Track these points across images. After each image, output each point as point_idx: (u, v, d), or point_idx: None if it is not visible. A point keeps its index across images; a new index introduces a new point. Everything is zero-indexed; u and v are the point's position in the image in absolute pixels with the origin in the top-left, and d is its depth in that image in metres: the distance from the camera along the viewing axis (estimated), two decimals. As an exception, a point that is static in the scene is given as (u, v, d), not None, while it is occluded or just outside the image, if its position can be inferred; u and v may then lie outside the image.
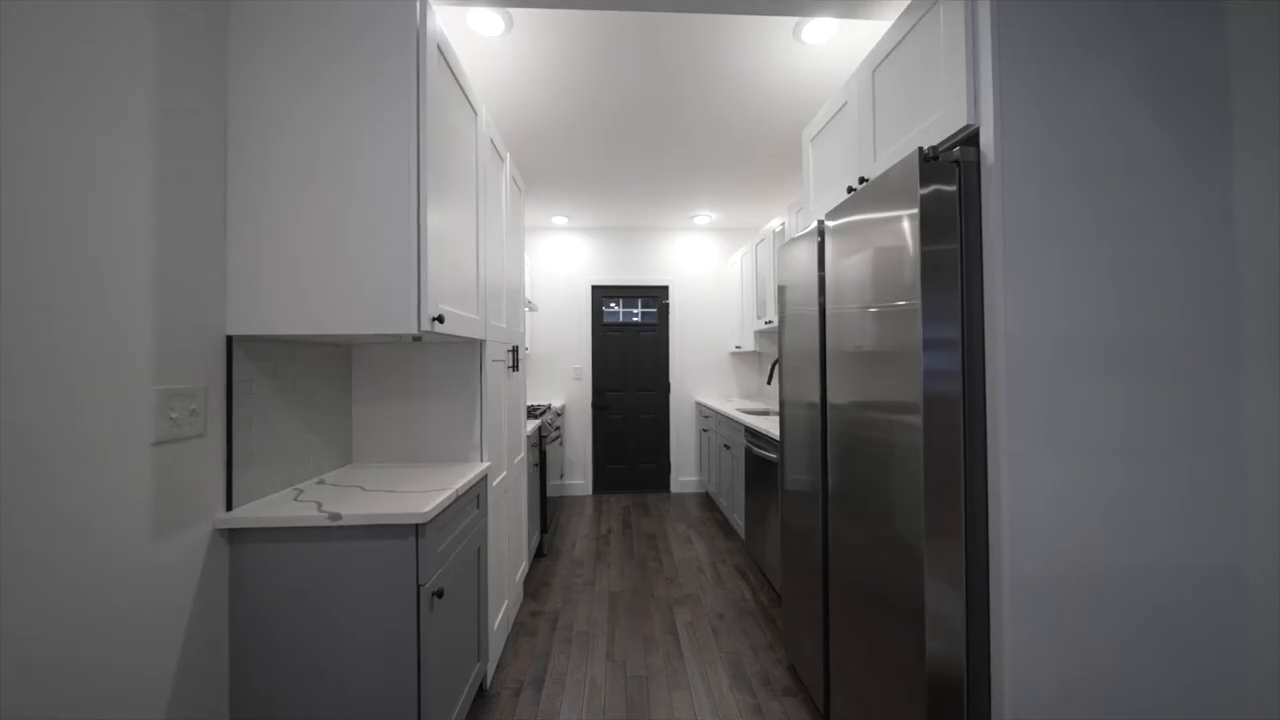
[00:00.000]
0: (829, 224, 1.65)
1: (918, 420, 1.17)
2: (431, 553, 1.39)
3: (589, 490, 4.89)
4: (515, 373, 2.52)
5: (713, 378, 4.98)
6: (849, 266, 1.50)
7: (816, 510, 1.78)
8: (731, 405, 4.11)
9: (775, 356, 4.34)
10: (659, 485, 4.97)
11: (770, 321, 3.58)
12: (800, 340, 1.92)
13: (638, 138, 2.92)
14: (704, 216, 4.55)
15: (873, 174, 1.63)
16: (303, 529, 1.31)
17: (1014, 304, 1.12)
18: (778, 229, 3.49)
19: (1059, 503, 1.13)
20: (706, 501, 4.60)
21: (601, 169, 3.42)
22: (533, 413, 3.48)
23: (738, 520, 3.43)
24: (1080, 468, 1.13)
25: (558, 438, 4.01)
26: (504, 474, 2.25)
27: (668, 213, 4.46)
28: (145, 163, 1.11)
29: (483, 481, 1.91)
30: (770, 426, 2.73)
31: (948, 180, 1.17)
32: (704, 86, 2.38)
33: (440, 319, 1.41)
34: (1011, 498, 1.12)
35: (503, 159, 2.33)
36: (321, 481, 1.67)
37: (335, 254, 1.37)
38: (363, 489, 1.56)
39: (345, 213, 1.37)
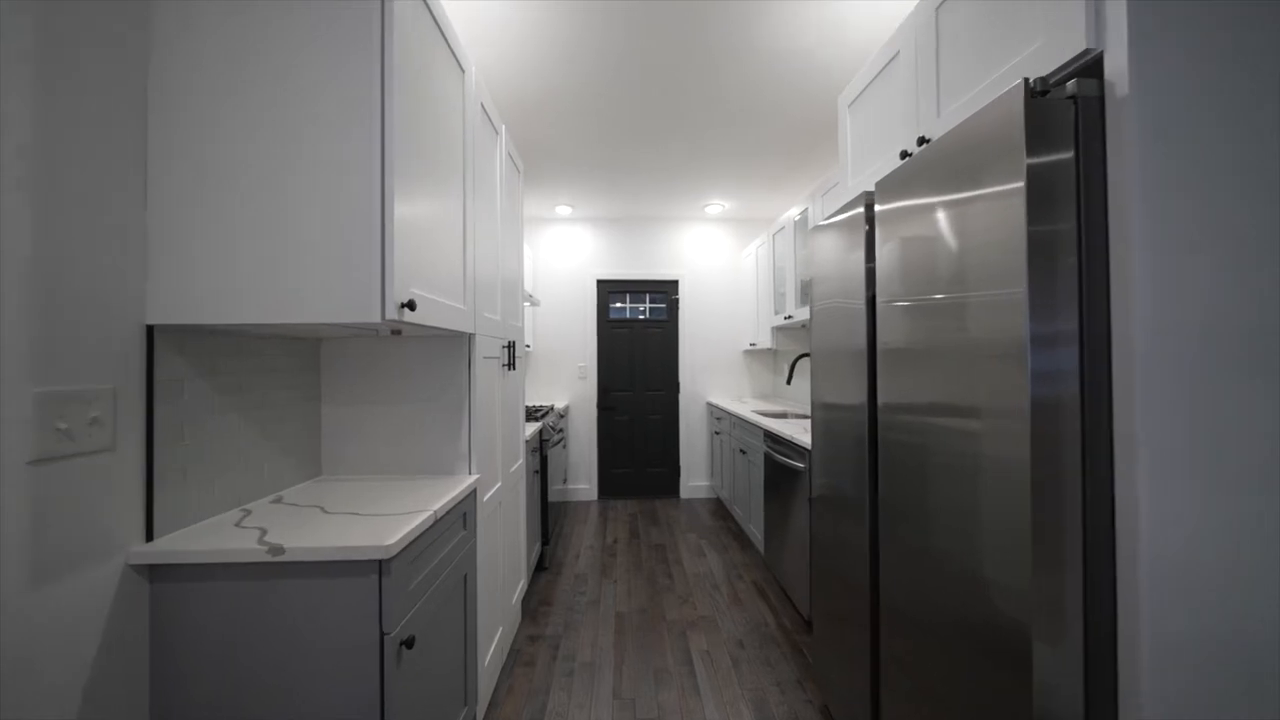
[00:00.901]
0: (879, 200, 1.38)
1: (1019, 430, 0.90)
2: (400, 592, 1.13)
3: (594, 495, 4.63)
4: (511, 371, 2.26)
5: (725, 377, 4.71)
6: (909, 249, 1.23)
7: (861, 525, 1.51)
8: (746, 407, 3.84)
9: (793, 354, 4.08)
10: (668, 490, 4.70)
11: (790, 317, 3.31)
12: (837, 336, 1.65)
13: (646, 117, 2.66)
14: (716, 206, 4.27)
15: (935, 132, 1.35)
16: (237, 565, 1.06)
17: (1152, 285, 0.85)
18: (798, 217, 3.21)
19: (1210, 545, 0.86)
20: (719, 508, 4.34)
21: (607, 153, 3.15)
22: (533, 414, 3.22)
23: (755, 531, 3.17)
24: (1237, 499, 0.86)
25: (560, 441, 3.75)
26: (497, 486, 1.99)
27: (678, 202, 4.19)
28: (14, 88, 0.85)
29: (471, 497, 1.65)
30: (793, 431, 2.46)
31: (1060, 125, 0.89)
32: (720, 58, 2.12)
33: (411, 305, 1.15)
34: (1151, 536, 0.85)
35: (497, 131, 2.07)
36: (279, 499, 1.41)
37: (283, 227, 1.12)
38: (323, 510, 1.31)
39: (294, 177, 1.12)
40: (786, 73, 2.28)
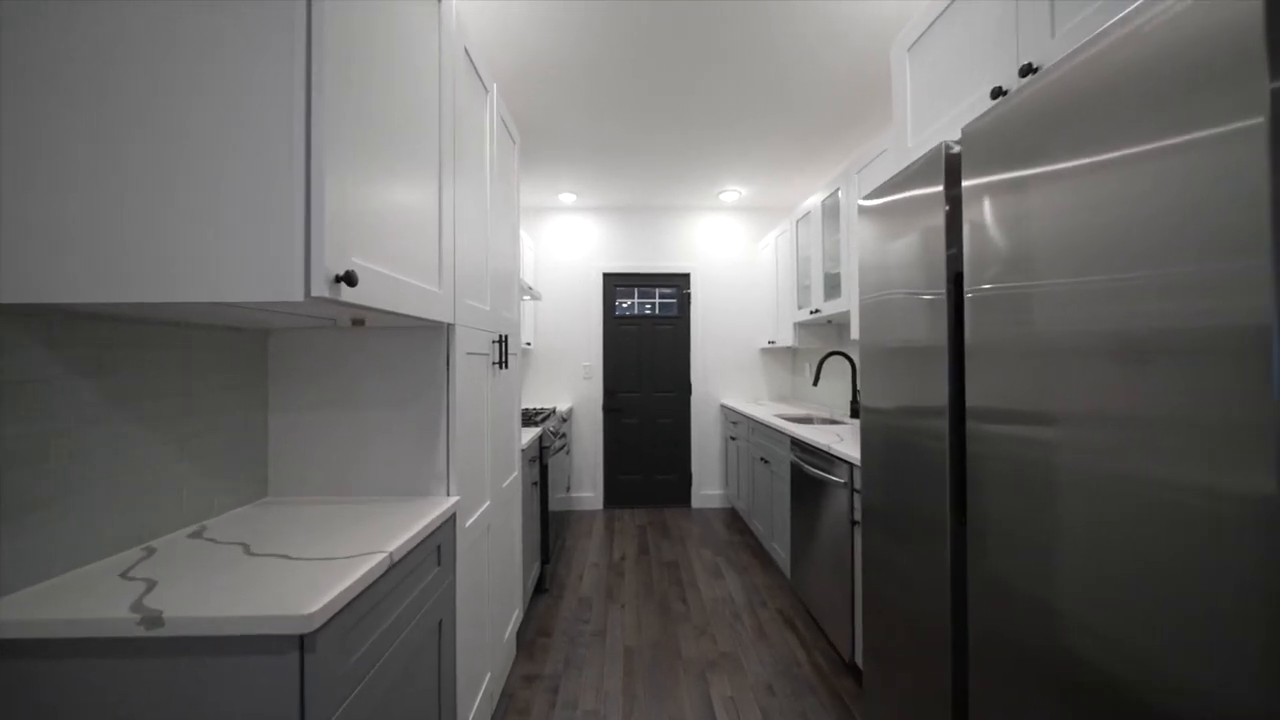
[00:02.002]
0: (971, 157, 1.05)
1: (1253, 452, 0.58)
2: (333, 673, 0.82)
3: (599, 504, 4.32)
4: (504, 370, 1.95)
5: (740, 377, 4.39)
6: (1033, 217, 0.91)
7: (939, 552, 1.19)
8: (765, 410, 3.52)
9: (817, 353, 3.74)
10: (679, 499, 4.38)
11: (816, 311, 2.98)
12: (901, 331, 1.33)
13: (656, 92, 2.35)
14: (732, 193, 3.95)
15: (1050, 56, 1.03)
16: (102, 640, 0.75)
17: None
18: (826, 200, 2.89)
19: None
20: (734, 520, 4.01)
21: (613, 134, 2.84)
22: (532, 418, 2.92)
23: (779, 550, 2.84)
24: None
25: (563, 447, 3.45)
26: (485, 506, 1.68)
27: (690, 189, 3.88)
28: None
29: (448, 525, 1.34)
30: (825, 439, 2.14)
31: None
32: (738, 20, 1.80)
33: (349, 279, 0.84)
34: None
35: (487, 89, 1.77)
36: (200, 533, 1.11)
37: (173, 175, 0.81)
38: (247, 550, 1.00)
39: (187, 110, 0.81)
40: (815, 36, 1.96)
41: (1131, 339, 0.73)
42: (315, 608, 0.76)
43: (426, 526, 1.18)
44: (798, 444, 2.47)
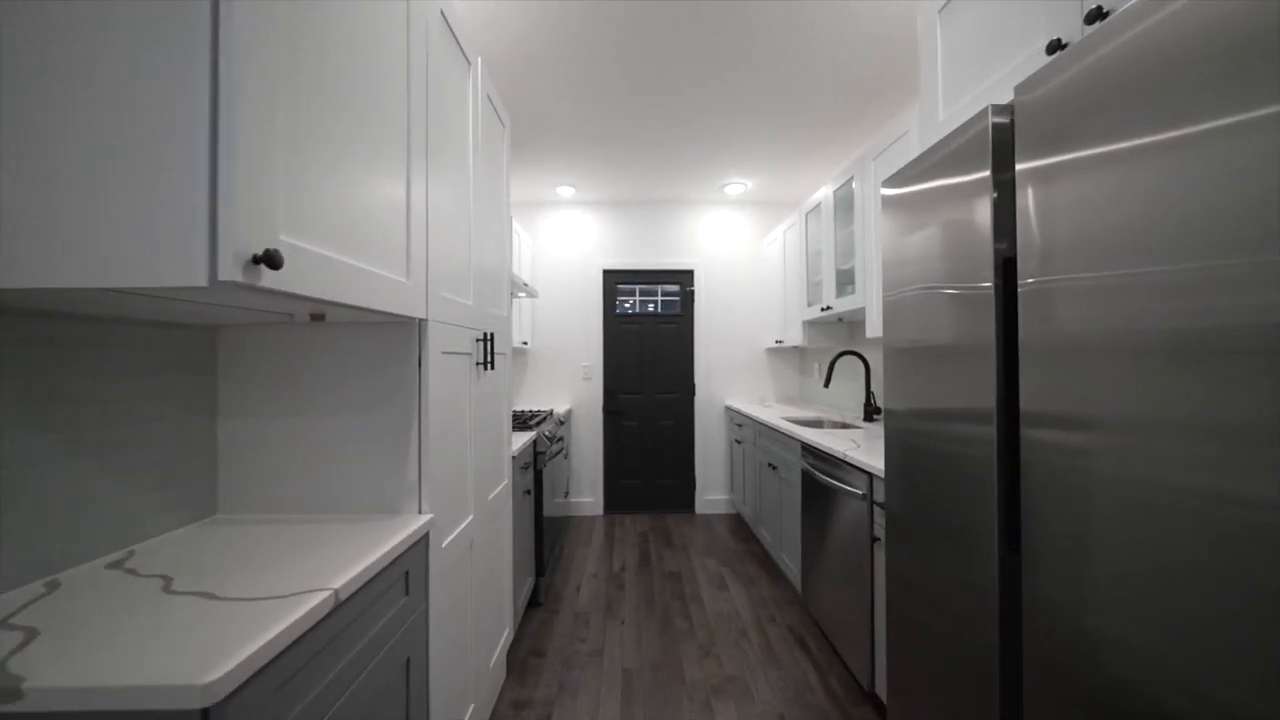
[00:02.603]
0: (1028, 121, 0.89)
1: None
2: (251, 749, 0.66)
3: (599, 510, 4.16)
4: (490, 372, 1.79)
5: (746, 378, 4.22)
6: (1124, 191, 0.74)
7: (984, 574, 1.02)
8: (773, 412, 3.35)
9: (827, 352, 3.56)
10: (682, 504, 4.22)
11: (828, 309, 2.81)
12: (932, 327, 1.17)
13: (659, 75, 2.18)
14: (737, 186, 3.78)
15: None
16: (-51, 714, 0.60)
17: None
18: (838, 190, 2.72)
19: None
20: (739, 526, 3.85)
21: (612, 122, 2.67)
22: (526, 422, 2.76)
23: (788, 562, 2.67)
24: None
25: (561, 451, 3.29)
26: (468, 520, 1.52)
27: (693, 181, 3.71)
28: None
29: (419, 547, 1.18)
30: (841, 445, 1.97)
31: None
32: (745, 2, 1.64)
33: (271, 260, 0.68)
34: None
35: (469, 61, 1.61)
36: (119, 563, 0.95)
37: (44, 139, 0.66)
38: (168, 586, 0.85)
39: (65, 62, 0.65)
40: (828, 14, 1.79)
41: (1238, 335, 0.57)
42: (218, 674, 0.60)
43: (390, 551, 1.02)
44: (809, 450, 2.30)
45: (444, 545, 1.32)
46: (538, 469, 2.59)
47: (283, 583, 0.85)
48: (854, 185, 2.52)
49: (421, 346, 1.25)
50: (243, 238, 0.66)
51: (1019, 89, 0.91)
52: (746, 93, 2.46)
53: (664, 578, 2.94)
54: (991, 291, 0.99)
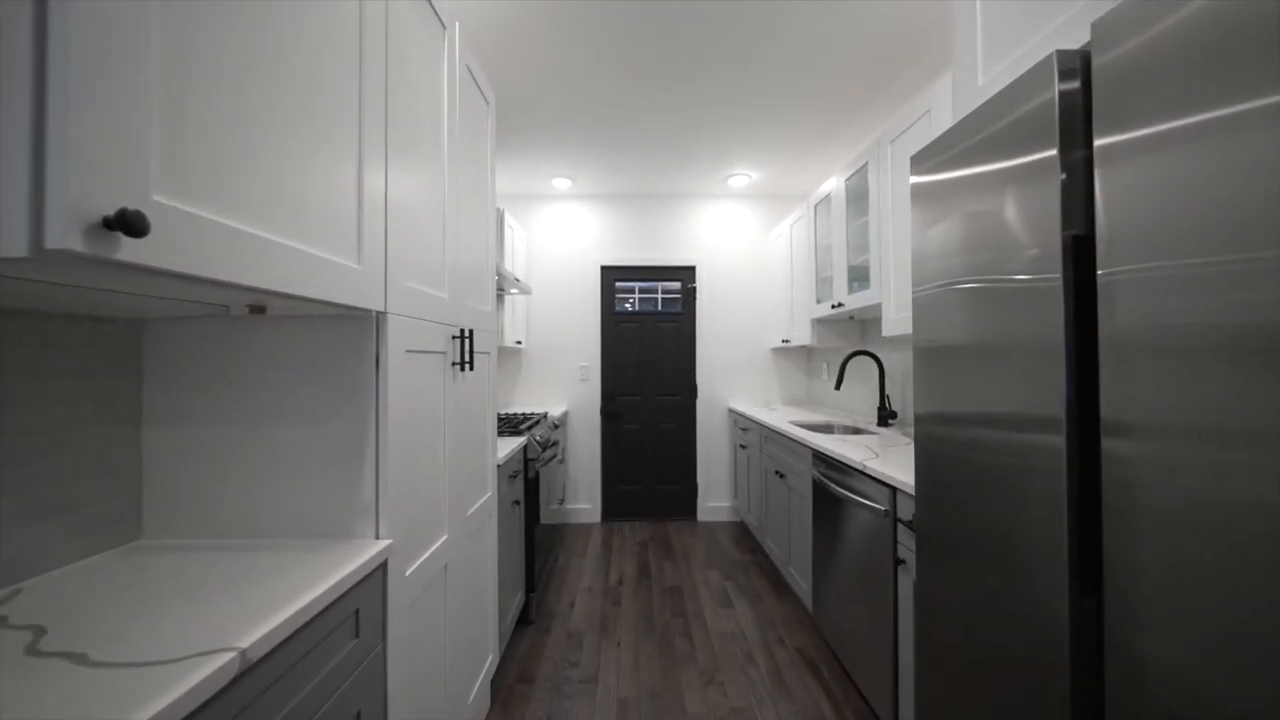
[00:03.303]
0: (1107, 63, 0.71)
1: None
2: None
3: (596, 517, 3.99)
4: (468, 373, 1.62)
5: (750, 379, 4.04)
6: (1216, 161, 0.56)
7: (1051, 610, 0.84)
8: (779, 415, 3.17)
9: (836, 352, 3.35)
10: (683, 511, 4.04)
11: (839, 305, 2.63)
12: (977, 324, 0.99)
13: (659, 62, 2.01)
14: (741, 177, 3.61)
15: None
16: None
17: None
18: (851, 177, 2.54)
19: None
20: (743, 535, 3.67)
21: (609, 107, 2.49)
22: (516, 426, 2.58)
23: (797, 578, 2.49)
24: None
25: (555, 456, 3.11)
26: (441, 540, 1.35)
27: (695, 173, 3.53)
28: None
29: (374, 580, 1.01)
30: (858, 453, 1.79)
31: None
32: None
33: (129, 225, 0.50)
34: None
35: (445, 25, 1.43)
36: (3, 603, 0.78)
37: None
38: (34, 643, 0.67)
39: None
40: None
41: None
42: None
43: (334, 588, 0.85)
44: (822, 458, 2.12)
45: (408, 573, 1.15)
46: (528, 477, 2.42)
47: (183, 637, 0.68)
48: (868, 173, 2.34)
49: (380, 344, 1.07)
50: (86, 194, 0.48)
51: (1098, 30, 0.74)
52: (752, 77, 2.28)
53: (664, 592, 2.76)
54: (1060, 283, 0.81)
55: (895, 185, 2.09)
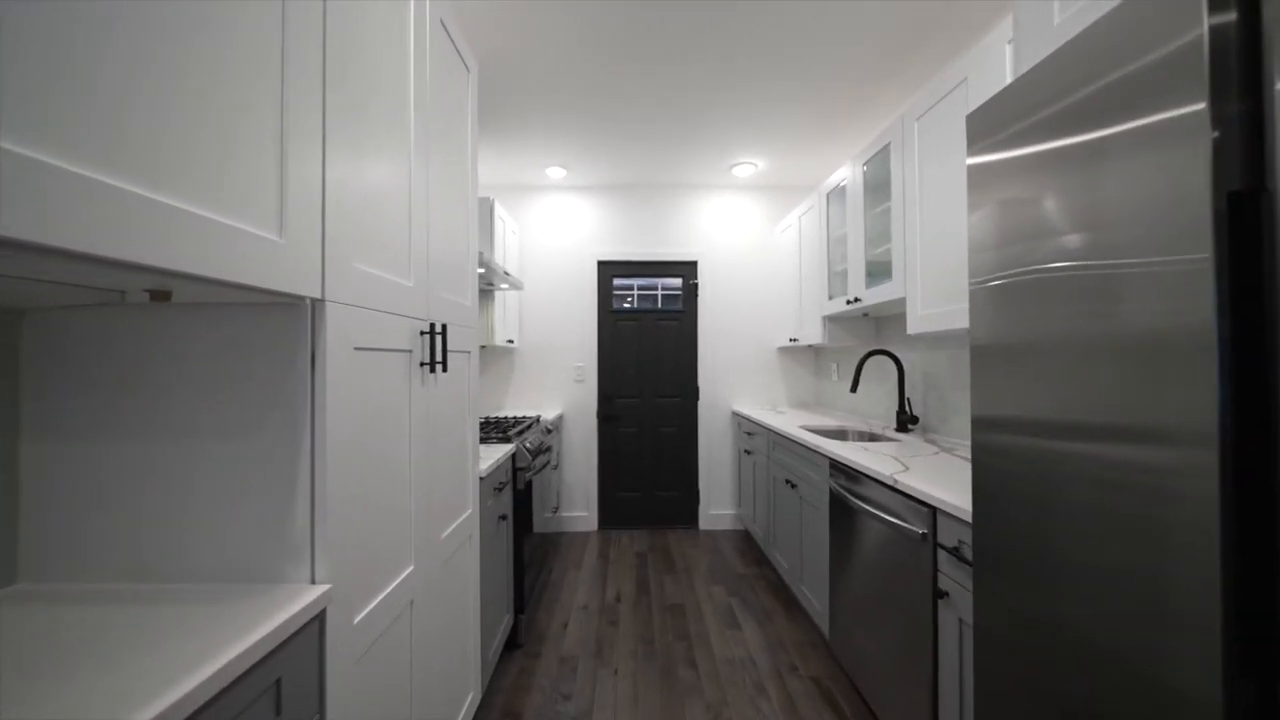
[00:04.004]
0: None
1: None
2: None
3: (593, 525, 3.78)
4: (441, 375, 1.40)
5: (755, 380, 3.83)
6: None
7: (1199, 698, 0.64)
8: (786, 419, 2.97)
9: (849, 352, 3.10)
10: (684, 519, 3.83)
11: (855, 301, 2.43)
12: (1078, 319, 0.78)
13: (657, 40, 1.81)
14: (746, 166, 3.40)
15: None
16: None
17: None
18: (873, 157, 2.33)
19: None
20: (748, 545, 3.46)
21: (606, 94, 2.28)
22: (506, 431, 2.37)
23: (811, 598, 2.29)
24: None
25: (549, 462, 2.90)
26: (404, 575, 1.14)
27: (697, 162, 3.32)
28: None
29: (303, 638, 0.80)
30: (884, 465, 1.58)
31: None
32: None
33: None
34: None
35: (412, -33, 1.22)
36: None
37: None
38: None
39: None
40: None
41: None
42: None
43: (242, 658, 0.64)
44: (841, 468, 1.91)
45: (358, 621, 0.94)
46: (517, 488, 2.21)
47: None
48: (890, 156, 2.13)
49: (316, 339, 0.86)
50: None
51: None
52: (758, 56, 2.07)
53: (665, 611, 2.55)
54: (1210, 266, 0.60)
55: (924, 167, 1.88)
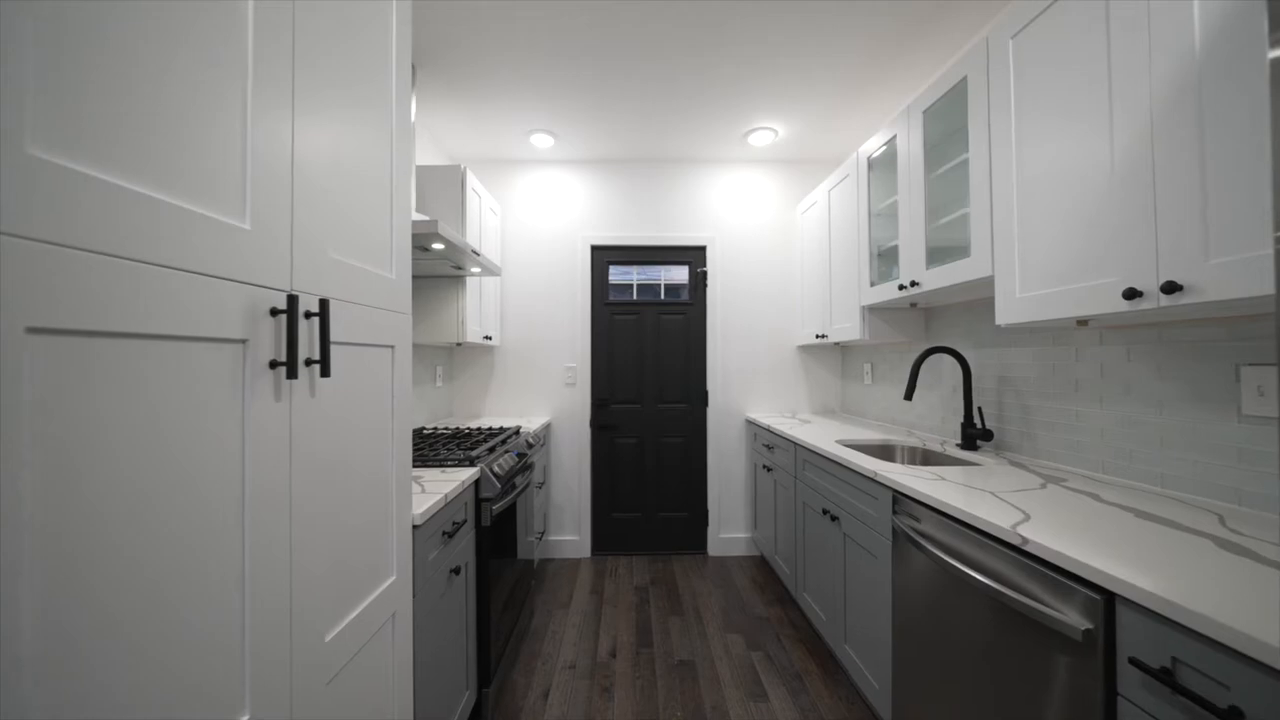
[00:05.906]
0: None
1: None
2: None
3: (586, 550, 3.27)
4: (323, 384, 0.90)
5: (773, 383, 3.33)
6: None
7: None
8: (814, 429, 2.46)
9: (893, 350, 2.50)
10: (691, 543, 3.32)
11: (912, 285, 1.93)
12: None
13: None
14: (765, 133, 2.90)
15: None
16: None
17: None
18: (934, 109, 1.84)
19: None
20: (766, 576, 2.95)
21: (601, 36, 1.79)
22: (471, 449, 1.86)
23: (861, 667, 1.78)
24: None
25: (528, 484, 2.40)
26: (223, 742, 0.63)
27: (707, 130, 2.82)
28: None
29: None
30: (992, 512, 1.09)
31: None
32: None
33: None
34: None
35: None
36: None
37: None
38: None
39: None
40: None
41: None
42: None
43: None
44: (913, 505, 1.41)
45: None
46: (481, 526, 1.70)
47: None
48: (968, 93, 1.63)
49: None
50: None
51: None
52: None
53: (671, 672, 2.05)
54: None
55: (1030, 96, 1.38)
